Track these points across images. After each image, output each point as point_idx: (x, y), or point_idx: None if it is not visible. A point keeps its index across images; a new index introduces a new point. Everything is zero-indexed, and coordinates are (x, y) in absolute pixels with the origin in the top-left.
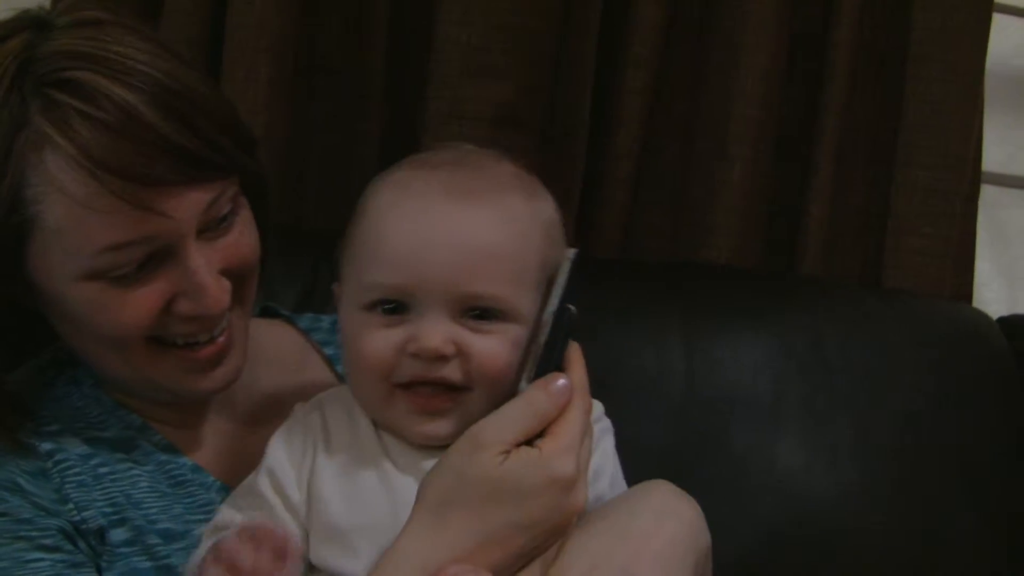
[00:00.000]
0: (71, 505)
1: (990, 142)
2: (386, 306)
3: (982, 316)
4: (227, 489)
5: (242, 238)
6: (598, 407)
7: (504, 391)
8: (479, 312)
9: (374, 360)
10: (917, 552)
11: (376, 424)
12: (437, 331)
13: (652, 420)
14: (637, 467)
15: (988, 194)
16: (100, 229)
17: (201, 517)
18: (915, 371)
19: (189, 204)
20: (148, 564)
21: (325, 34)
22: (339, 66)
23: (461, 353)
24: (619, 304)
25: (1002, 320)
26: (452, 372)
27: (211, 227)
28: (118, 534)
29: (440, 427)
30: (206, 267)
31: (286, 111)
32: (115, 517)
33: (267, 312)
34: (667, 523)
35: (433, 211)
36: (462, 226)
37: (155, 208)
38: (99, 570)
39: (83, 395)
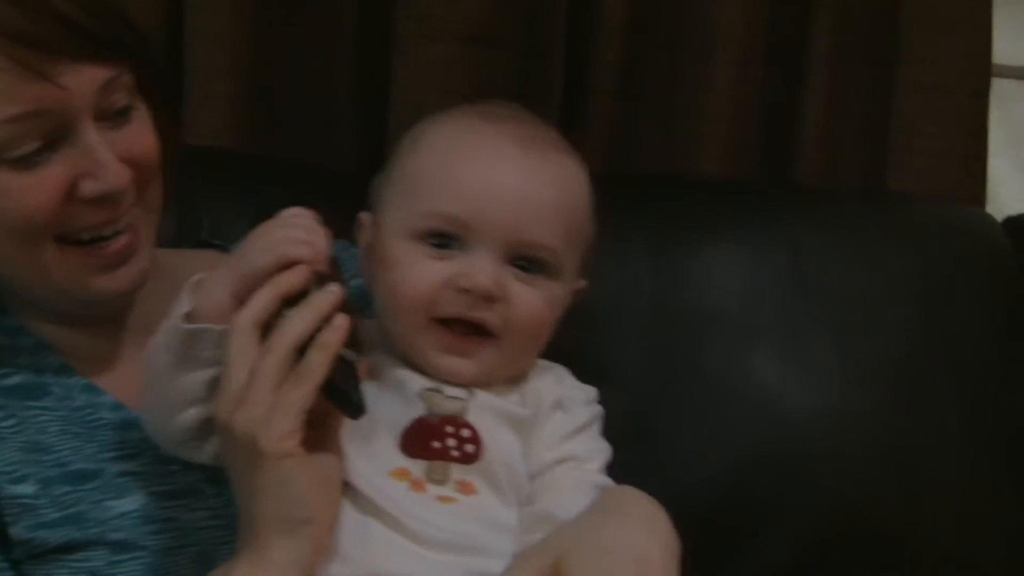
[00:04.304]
0: None
1: (1002, 32)
2: (436, 238)
3: (984, 217)
4: None
5: (141, 135)
6: (591, 391)
7: (528, 346)
8: (525, 263)
9: (419, 290)
10: (900, 474)
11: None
12: (490, 270)
13: (617, 341)
14: (604, 395)
15: (1002, 88)
16: None
17: (115, 454)
18: (901, 281)
19: (85, 79)
20: (56, 515)
21: None
22: None
23: (504, 299)
24: None
25: (1009, 220)
26: (492, 316)
27: (108, 116)
28: (20, 489)
29: (466, 366)
30: (104, 146)
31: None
32: (16, 475)
33: (200, 244)
34: (658, 532)
35: (504, 155)
36: (530, 175)
37: (51, 77)
38: (3, 526)
39: None
